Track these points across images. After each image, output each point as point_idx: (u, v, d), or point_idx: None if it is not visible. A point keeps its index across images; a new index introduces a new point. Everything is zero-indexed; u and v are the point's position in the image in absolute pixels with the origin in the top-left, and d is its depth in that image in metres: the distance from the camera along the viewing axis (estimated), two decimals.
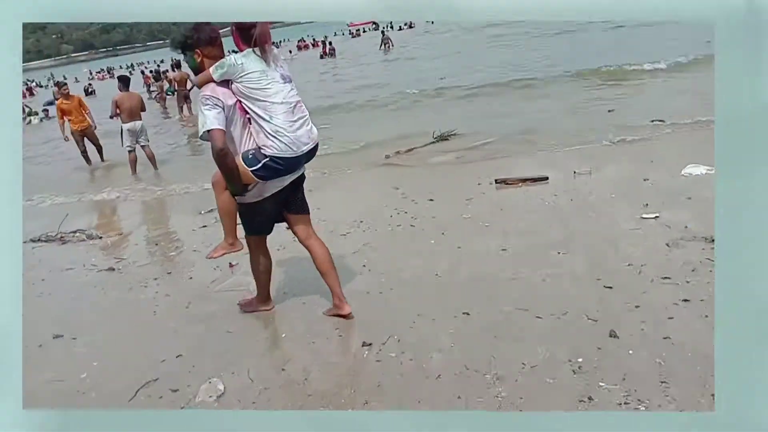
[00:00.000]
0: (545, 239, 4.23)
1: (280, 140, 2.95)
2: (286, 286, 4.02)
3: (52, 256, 5.57)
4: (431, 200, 5.53)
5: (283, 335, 3.39)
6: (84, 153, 10.92)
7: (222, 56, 3.02)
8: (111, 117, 9.54)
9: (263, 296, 3.63)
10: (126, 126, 9.31)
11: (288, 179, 3.15)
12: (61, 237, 6.06)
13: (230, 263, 4.57)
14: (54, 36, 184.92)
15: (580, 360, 2.73)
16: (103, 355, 3.47)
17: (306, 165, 3.28)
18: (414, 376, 2.81)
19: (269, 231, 3.39)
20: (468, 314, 3.30)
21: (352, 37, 51.29)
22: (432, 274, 3.92)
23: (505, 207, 5.03)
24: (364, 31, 57.37)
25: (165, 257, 5.12)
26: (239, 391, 2.87)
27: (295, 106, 3.03)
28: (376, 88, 16.10)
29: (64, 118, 10.65)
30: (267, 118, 2.94)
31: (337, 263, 4.25)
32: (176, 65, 17.99)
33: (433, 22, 52.47)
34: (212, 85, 2.95)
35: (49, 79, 59.22)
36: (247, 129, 3.05)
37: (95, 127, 11.00)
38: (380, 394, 2.71)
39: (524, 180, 5.68)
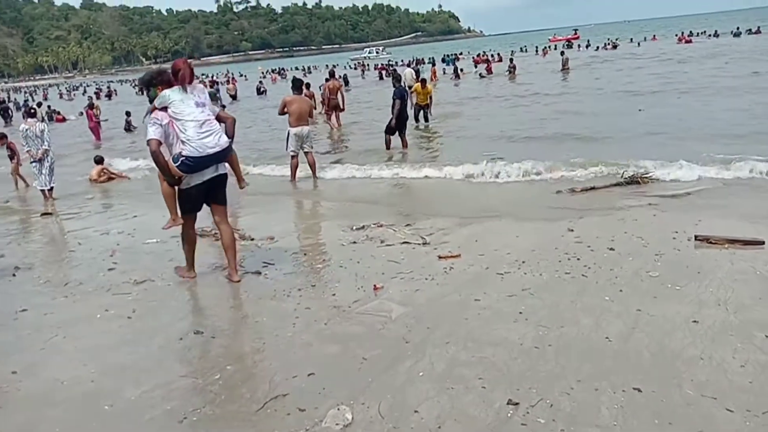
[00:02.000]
0: (752, 316, 3.86)
1: (190, 145, 4.68)
2: (430, 324, 4.12)
3: (204, 252, 6.20)
4: (611, 249, 5.30)
5: (421, 374, 3.46)
6: None
7: None
8: (279, 114, 10.30)
9: (189, 265, 5.43)
10: (293, 130, 9.91)
11: (207, 175, 4.90)
12: (215, 234, 6.72)
13: (375, 285, 4.78)
14: (236, 33, 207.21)
15: None
16: (238, 359, 3.82)
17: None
18: None
19: (196, 211, 5.17)
20: (639, 390, 3.13)
21: (543, 55, 51.05)
22: (601, 336, 3.76)
23: (703, 270, 4.66)
24: (555, 48, 56.99)
25: (311, 268, 5.47)
26: (367, 425, 3.00)
27: (203, 122, 4.74)
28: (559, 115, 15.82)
29: None
30: (183, 130, 4.69)
31: (486, 305, 4.26)
32: (330, 74, 19.32)
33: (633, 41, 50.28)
34: (156, 110, 4.80)
35: (220, 74, 67.06)
36: (176, 140, 4.76)
37: None
38: None
39: (733, 241, 5.22)
